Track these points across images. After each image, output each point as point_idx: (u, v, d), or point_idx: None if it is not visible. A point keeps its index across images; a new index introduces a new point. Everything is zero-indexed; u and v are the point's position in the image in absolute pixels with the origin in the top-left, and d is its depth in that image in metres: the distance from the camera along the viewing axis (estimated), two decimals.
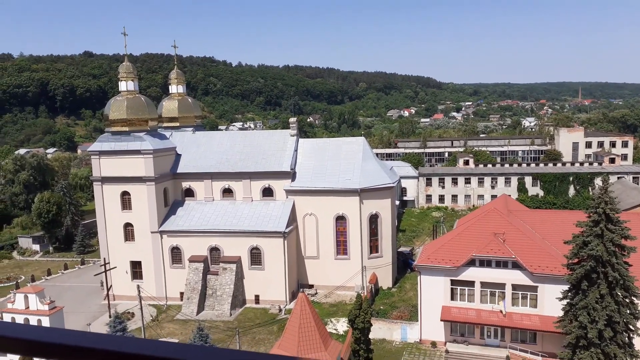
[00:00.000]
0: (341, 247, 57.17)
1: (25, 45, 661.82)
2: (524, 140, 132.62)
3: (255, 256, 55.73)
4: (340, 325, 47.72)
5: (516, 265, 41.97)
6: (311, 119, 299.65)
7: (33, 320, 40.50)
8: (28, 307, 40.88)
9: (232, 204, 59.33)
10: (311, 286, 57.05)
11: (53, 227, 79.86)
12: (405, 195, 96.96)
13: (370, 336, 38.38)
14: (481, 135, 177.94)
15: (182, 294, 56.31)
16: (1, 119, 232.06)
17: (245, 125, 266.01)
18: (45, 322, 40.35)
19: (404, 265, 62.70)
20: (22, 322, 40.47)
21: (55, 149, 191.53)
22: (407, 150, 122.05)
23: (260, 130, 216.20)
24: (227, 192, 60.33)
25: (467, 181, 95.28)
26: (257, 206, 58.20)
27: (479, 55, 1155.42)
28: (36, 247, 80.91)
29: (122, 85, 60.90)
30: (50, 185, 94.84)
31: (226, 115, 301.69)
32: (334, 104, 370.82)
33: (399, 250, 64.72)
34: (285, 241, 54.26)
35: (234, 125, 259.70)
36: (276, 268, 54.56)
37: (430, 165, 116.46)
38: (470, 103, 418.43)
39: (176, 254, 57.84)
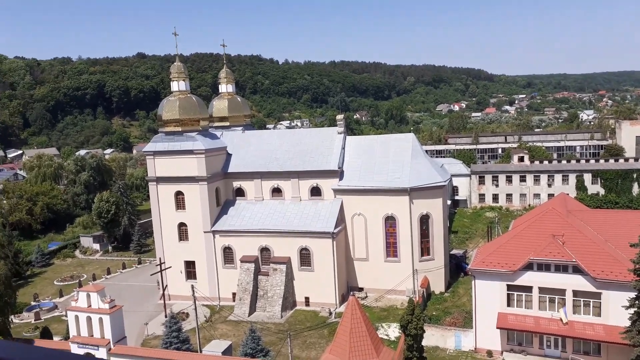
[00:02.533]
0: (391, 248, 56.21)
1: (83, 48, 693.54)
2: (582, 134, 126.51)
3: (305, 257, 55.75)
4: (392, 330, 46.91)
5: (577, 270, 39.72)
6: (358, 115, 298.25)
7: (95, 319, 41.99)
8: (90, 306, 42.38)
9: (281, 204, 59.58)
10: (361, 289, 56.49)
11: (112, 226, 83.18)
12: (457, 195, 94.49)
13: (423, 343, 37.48)
14: (536, 130, 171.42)
15: (234, 294, 57.14)
16: (63, 121, 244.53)
17: (293, 124, 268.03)
18: (106, 321, 41.73)
19: (456, 268, 61.01)
20: (85, 320, 42.21)
21: (112, 150, 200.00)
22: (458, 147, 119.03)
23: (307, 127, 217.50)
24: (276, 191, 60.64)
25: (522, 179, 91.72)
26: (306, 206, 58.15)
27: (532, 45, 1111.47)
28: (96, 246, 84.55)
29: (174, 86, 62.28)
30: (109, 186, 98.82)
31: (274, 113, 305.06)
32: (381, 100, 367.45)
33: (451, 252, 63.01)
34: (334, 242, 53.94)
35: (281, 124, 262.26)
36: (325, 269, 54.35)
37: (483, 162, 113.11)
38: (523, 96, 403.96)
39: (228, 254, 58.75)
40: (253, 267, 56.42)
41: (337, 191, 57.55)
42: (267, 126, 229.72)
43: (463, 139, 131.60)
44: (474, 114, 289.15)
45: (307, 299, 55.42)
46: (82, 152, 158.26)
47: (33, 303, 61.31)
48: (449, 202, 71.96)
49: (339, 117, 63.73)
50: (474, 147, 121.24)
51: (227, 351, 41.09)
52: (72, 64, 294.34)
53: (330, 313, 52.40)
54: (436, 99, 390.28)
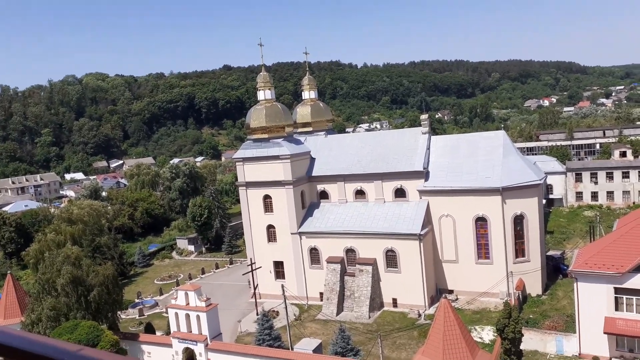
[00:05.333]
0: (482, 250, 54.07)
1: (174, 64, 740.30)
2: None
3: (391, 258, 55.23)
4: (486, 333, 45.11)
5: None
6: (440, 114, 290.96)
7: (193, 316, 44.48)
8: (188, 304, 44.98)
9: (365, 206, 59.54)
10: (451, 291, 54.86)
11: (205, 229, 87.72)
12: (552, 193, 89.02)
13: (521, 347, 35.64)
14: (637, 123, 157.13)
15: (321, 294, 57.94)
16: (157, 132, 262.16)
17: (372, 126, 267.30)
18: (203, 318, 44.06)
19: (554, 270, 57.39)
20: (184, 317, 44.86)
21: (202, 157, 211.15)
22: (551, 143, 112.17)
23: (387, 129, 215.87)
24: (360, 193, 60.70)
25: (625, 175, 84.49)
26: (390, 207, 57.63)
27: (629, 32, 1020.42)
28: (191, 247, 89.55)
29: (261, 95, 64.58)
30: (201, 191, 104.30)
31: (353, 117, 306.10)
32: (464, 98, 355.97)
33: (548, 254, 59.43)
34: (421, 244, 52.90)
35: (360, 127, 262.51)
36: (413, 271, 53.45)
37: (579, 159, 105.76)
38: (622, 87, 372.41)
39: (314, 255, 59.72)
40: (339, 267, 56.85)
41: (422, 192, 56.46)
42: (347, 130, 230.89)
43: (556, 135, 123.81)
44: (565, 109, 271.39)
45: (394, 300, 54.83)
46: (176, 160, 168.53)
47: (137, 300, 66.04)
48: (543, 201, 67.93)
49: (423, 117, 62.60)
50: (568, 143, 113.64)
51: (318, 349, 41.71)
52: (165, 78, 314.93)
53: (420, 315, 51.43)
54: (524, 94, 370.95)
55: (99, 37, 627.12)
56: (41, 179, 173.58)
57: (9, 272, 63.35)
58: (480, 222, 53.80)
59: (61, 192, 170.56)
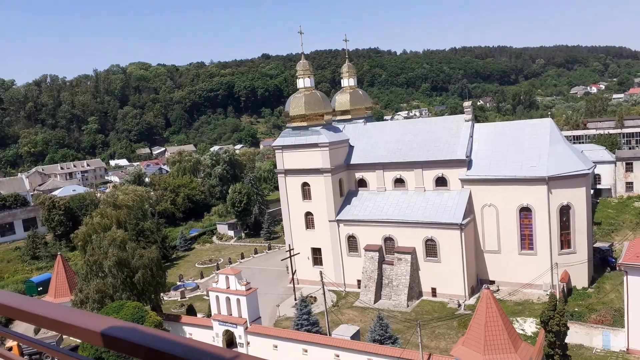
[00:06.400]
0: (526, 241, 52.59)
1: (214, 53, 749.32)
2: None
3: (430, 248, 54.52)
4: (528, 325, 44.03)
5: None
6: (481, 101, 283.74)
7: (233, 300, 45.37)
8: (229, 287, 45.87)
9: (405, 194, 58.86)
10: (492, 282, 53.75)
11: (244, 215, 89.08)
12: (599, 183, 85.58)
13: (566, 340, 34.58)
14: None
15: (359, 281, 57.93)
16: (198, 120, 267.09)
17: (411, 114, 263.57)
18: (243, 302, 44.87)
19: (601, 263, 55.29)
20: (224, 300, 45.79)
21: (241, 145, 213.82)
22: (599, 132, 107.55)
23: (426, 117, 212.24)
24: (399, 182, 60.03)
25: None
26: (430, 196, 56.76)
27: None
28: (231, 232, 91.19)
29: (300, 83, 64.53)
30: (240, 178, 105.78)
31: (391, 104, 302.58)
32: (507, 85, 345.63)
33: (595, 246, 57.28)
34: (463, 233, 51.92)
35: (399, 115, 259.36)
36: (453, 261, 52.62)
37: (630, 148, 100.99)
38: None
39: (352, 242, 59.65)
40: (377, 256, 56.59)
41: (465, 181, 55.28)
42: (385, 117, 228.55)
43: (605, 123, 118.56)
44: (615, 96, 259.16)
45: (433, 289, 54.21)
46: (216, 148, 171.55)
47: (178, 283, 67.85)
48: (591, 191, 65.38)
49: (466, 104, 61.10)
50: (618, 131, 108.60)
51: (355, 336, 41.81)
52: (205, 67, 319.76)
53: (460, 305, 50.67)
54: (570, 81, 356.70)
55: (142, 28, 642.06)
56: (88, 165, 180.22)
57: (59, 253, 66.32)
58: (525, 212, 52.31)
59: (106, 177, 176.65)
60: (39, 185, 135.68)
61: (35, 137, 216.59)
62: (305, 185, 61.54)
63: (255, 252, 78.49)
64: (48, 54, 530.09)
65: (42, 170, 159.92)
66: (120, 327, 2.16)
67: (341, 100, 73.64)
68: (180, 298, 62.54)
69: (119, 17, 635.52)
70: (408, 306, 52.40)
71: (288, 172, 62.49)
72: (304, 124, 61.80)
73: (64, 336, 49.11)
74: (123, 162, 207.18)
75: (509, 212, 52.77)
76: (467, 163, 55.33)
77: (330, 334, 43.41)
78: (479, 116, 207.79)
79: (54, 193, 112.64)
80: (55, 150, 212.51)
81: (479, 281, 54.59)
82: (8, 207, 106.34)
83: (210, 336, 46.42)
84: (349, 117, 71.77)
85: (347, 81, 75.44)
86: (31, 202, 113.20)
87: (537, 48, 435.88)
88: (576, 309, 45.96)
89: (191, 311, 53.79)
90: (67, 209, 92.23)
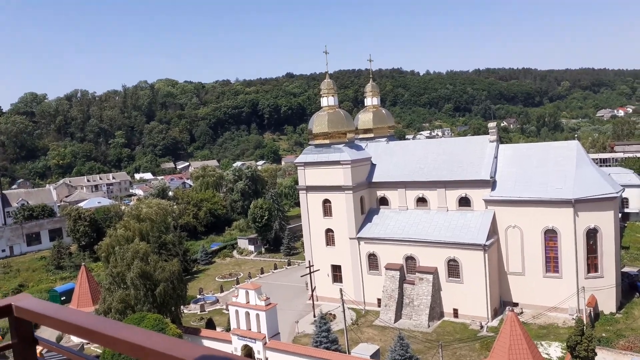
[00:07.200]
0: (551, 263, 51.55)
1: (240, 71, 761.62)
2: None
3: (453, 268, 53.82)
4: (553, 350, 42.87)
5: None
6: (505, 122, 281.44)
7: (252, 314, 45.33)
8: (249, 302, 45.90)
9: (427, 214, 58.47)
10: (515, 304, 52.61)
11: (265, 230, 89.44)
12: (627, 207, 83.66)
13: None
14: None
15: (379, 300, 57.35)
16: (222, 136, 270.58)
17: (433, 133, 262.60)
18: (262, 317, 44.77)
19: (630, 288, 53.76)
20: (244, 314, 45.80)
21: (264, 161, 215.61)
22: (627, 155, 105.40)
23: (449, 137, 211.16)
24: (421, 201, 59.71)
25: None
26: (453, 216, 56.26)
27: None
28: (251, 247, 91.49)
29: (324, 101, 65.20)
30: (262, 193, 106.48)
31: (413, 124, 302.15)
32: (531, 107, 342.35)
33: (623, 270, 55.77)
34: (486, 254, 51.17)
35: (421, 134, 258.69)
36: (476, 282, 51.78)
37: None
38: None
39: (373, 261, 59.28)
40: (398, 275, 56.07)
41: (488, 202, 54.70)
42: (407, 137, 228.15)
43: (632, 146, 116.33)
44: None
45: (455, 310, 53.33)
46: (238, 163, 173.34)
47: (198, 296, 68.16)
48: (619, 215, 63.93)
49: (491, 124, 60.89)
50: None
51: (375, 355, 41.27)
52: (230, 85, 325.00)
53: (482, 327, 49.71)
54: (596, 104, 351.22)
55: (170, 46, 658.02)
56: (113, 178, 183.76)
57: (83, 263, 67.53)
58: (550, 235, 51.41)
59: (131, 190, 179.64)
60: (66, 196, 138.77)
61: (64, 150, 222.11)
62: (326, 202, 61.66)
63: (275, 268, 78.52)
64: (80, 69, 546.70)
65: (69, 182, 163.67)
66: (211, 355, 2.04)
67: (364, 119, 74.07)
68: (200, 311, 62.75)
69: (149, 35, 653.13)
70: (429, 326, 51.61)
71: (309, 188, 62.75)
72: (327, 141, 62.22)
73: (86, 345, 49.66)
74: (148, 175, 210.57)
75: (534, 234, 51.93)
76: (491, 184, 54.85)
77: (349, 353, 42.94)
78: (503, 137, 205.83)
79: (79, 204, 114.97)
80: (82, 163, 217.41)
81: (502, 303, 53.56)
82: (35, 217, 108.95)
83: (229, 350, 46.37)
84: (372, 135, 72.14)
85: (371, 100, 76.00)
86: (58, 213, 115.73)
87: (562, 70, 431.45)
88: (604, 335, 44.68)
89: (210, 325, 53.87)
90: (92, 221, 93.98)
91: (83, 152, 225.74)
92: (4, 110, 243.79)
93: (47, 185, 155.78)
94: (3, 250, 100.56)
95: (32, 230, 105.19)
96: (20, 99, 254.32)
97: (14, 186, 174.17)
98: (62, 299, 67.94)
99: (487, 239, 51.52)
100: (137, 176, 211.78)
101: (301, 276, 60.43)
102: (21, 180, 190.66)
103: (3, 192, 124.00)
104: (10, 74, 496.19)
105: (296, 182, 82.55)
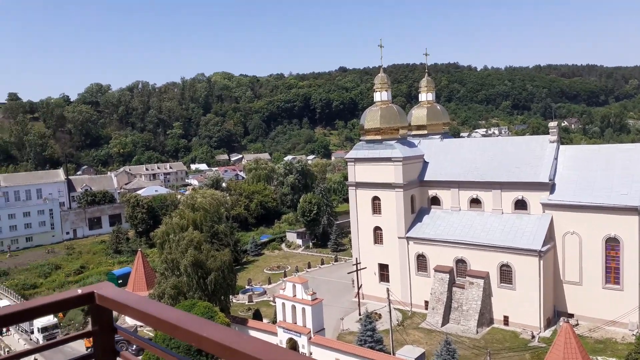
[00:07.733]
0: (611, 274, 48.83)
1: (293, 65, 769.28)
2: None
3: (505, 274, 52.05)
4: None
5: None
6: (566, 122, 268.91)
7: (299, 308, 45.79)
8: (295, 296, 46.38)
9: (480, 215, 56.79)
10: (571, 315, 50.31)
11: (313, 224, 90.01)
12: None
13: None
14: None
15: (426, 302, 56.39)
16: (274, 130, 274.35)
17: (489, 131, 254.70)
18: (308, 312, 45.13)
19: None
20: (290, 308, 46.33)
21: (314, 156, 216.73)
22: None
23: (506, 135, 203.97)
24: (475, 202, 58.04)
25: None
26: (508, 219, 54.34)
27: None
28: (299, 241, 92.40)
29: (377, 96, 64.52)
30: (311, 188, 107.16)
31: (469, 121, 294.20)
32: (595, 106, 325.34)
33: None
34: (541, 261, 49.15)
35: (476, 132, 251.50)
36: (529, 290, 49.84)
37: None
38: None
39: (421, 262, 58.30)
40: (447, 277, 54.87)
41: (546, 206, 52.44)
42: (462, 134, 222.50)
43: None
44: None
45: (505, 317, 51.62)
46: (289, 157, 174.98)
47: (247, 287, 69.57)
48: None
49: (552, 124, 58.22)
50: None
51: (420, 358, 40.71)
52: (284, 79, 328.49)
53: (534, 336, 47.87)
54: None
55: (228, 40, 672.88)
56: (170, 168, 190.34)
57: (139, 249, 70.42)
58: (612, 243, 48.70)
59: (186, 180, 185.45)
60: (125, 184, 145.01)
61: (125, 139, 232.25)
62: (375, 199, 61.12)
63: (322, 263, 78.88)
64: (142, 61, 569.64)
65: (129, 170, 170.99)
66: None
67: (418, 114, 72.63)
68: (248, 302, 64.03)
69: (207, 29, 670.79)
70: (477, 332, 50.26)
71: (359, 184, 62.41)
72: (378, 137, 61.57)
73: (139, 328, 51.83)
74: (203, 166, 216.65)
75: (594, 241, 49.37)
76: (550, 187, 52.58)
77: (394, 354, 42.56)
78: (564, 138, 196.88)
79: (138, 192, 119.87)
80: (142, 152, 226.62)
81: (556, 313, 51.34)
82: (97, 202, 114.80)
83: (274, 342, 47.01)
84: (425, 132, 70.59)
85: (425, 95, 74.45)
86: (117, 200, 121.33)
87: (630, 68, 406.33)
88: None
89: (257, 316, 54.88)
90: (149, 208, 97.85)
91: (143, 141, 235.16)
92: (71, 100, 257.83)
93: (109, 172, 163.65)
94: (67, 233, 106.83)
95: (94, 215, 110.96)
96: (86, 89, 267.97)
97: (78, 172, 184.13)
98: (119, 282, 71.22)
99: (543, 245, 49.46)
100: (193, 167, 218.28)
101: (348, 273, 60.33)
102: (85, 166, 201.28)
103: (69, 177, 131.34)
104: (79, 66, 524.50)
105: (345, 178, 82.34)
